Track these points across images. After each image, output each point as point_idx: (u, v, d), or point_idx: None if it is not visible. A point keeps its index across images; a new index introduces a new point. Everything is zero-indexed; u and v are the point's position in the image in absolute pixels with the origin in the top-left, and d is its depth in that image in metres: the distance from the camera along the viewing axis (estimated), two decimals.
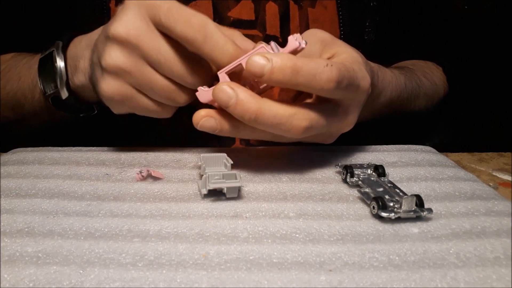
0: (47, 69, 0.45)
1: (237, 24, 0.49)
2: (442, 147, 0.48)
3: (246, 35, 0.50)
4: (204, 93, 0.39)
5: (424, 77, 0.57)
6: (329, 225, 0.32)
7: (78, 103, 0.46)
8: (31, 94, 0.48)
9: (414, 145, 0.48)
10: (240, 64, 0.36)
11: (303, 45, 0.36)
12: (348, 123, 0.40)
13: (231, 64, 0.37)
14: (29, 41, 0.52)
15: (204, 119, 0.37)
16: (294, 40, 0.35)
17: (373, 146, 0.48)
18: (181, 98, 0.40)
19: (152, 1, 0.37)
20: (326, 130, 0.38)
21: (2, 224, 0.32)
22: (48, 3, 0.52)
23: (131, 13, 0.37)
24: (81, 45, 0.44)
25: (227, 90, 0.34)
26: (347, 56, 0.39)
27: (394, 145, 0.48)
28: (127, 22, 0.37)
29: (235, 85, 0.35)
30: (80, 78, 0.44)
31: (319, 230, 0.32)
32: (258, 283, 0.26)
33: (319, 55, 0.40)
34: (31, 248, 0.29)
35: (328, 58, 0.39)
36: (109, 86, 0.39)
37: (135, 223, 0.32)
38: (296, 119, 0.35)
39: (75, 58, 0.44)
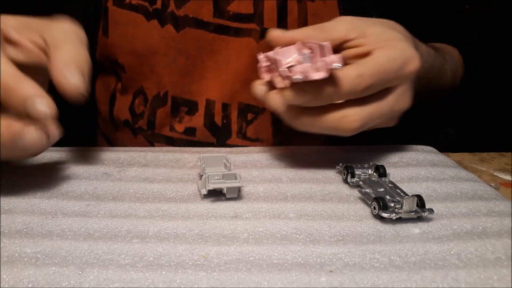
0: None
1: (236, 18, 0.49)
2: (443, 147, 0.48)
3: (244, 29, 0.49)
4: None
5: (443, 54, 0.54)
6: (329, 226, 0.32)
7: None
8: None
9: (415, 145, 0.48)
10: None
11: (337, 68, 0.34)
12: (404, 102, 0.40)
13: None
14: None
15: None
16: (336, 59, 0.33)
17: (374, 146, 0.48)
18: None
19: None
20: (382, 118, 0.39)
21: (1, 224, 0.32)
22: (40, 1, 0.51)
23: None
24: None
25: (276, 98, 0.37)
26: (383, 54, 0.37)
27: (395, 145, 0.48)
28: None
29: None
30: None
31: (319, 230, 0.32)
32: (258, 284, 0.26)
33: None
34: (30, 249, 0.29)
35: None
36: None
37: (134, 223, 0.32)
38: (346, 122, 0.37)
39: None
